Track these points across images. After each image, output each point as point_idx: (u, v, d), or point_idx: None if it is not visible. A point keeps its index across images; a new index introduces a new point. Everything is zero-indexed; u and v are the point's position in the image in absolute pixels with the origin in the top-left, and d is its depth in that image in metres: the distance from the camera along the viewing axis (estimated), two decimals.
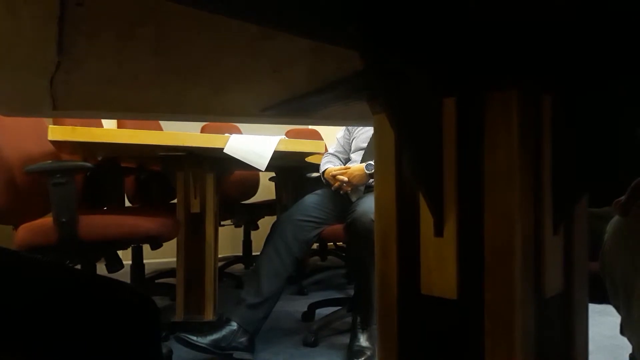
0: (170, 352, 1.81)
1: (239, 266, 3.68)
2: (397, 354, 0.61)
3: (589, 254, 0.63)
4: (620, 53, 0.48)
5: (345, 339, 1.97)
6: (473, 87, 0.53)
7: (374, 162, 0.65)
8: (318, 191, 2.22)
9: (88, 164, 1.69)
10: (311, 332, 2.04)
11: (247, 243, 3.68)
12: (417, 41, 0.49)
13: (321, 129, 4.02)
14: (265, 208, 3.49)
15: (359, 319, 1.94)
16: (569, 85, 0.54)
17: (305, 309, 2.39)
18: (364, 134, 2.26)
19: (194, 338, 1.77)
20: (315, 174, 2.43)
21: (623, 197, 0.74)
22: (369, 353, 1.83)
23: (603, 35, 0.48)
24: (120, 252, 1.78)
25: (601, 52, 0.49)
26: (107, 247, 1.71)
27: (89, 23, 0.50)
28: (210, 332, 1.81)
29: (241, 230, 3.68)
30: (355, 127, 2.35)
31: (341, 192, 2.11)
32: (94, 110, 0.89)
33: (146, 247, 2.13)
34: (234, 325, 1.83)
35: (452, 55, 0.52)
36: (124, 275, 1.71)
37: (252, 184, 3.65)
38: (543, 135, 0.54)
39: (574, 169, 0.55)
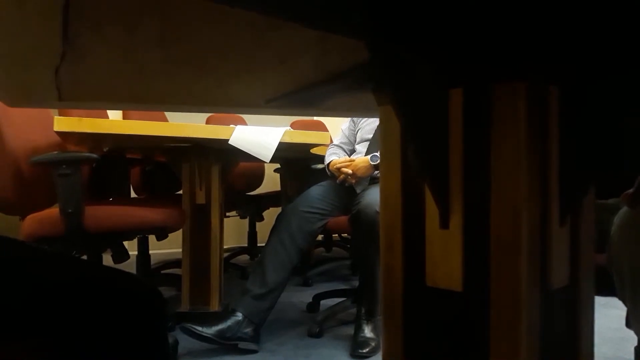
0: (176, 342, 1.82)
1: (244, 257, 3.70)
2: (402, 345, 0.61)
3: (595, 246, 0.63)
4: (627, 45, 0.48)
5: (350, 330, 1.98)
6: (480, 78, 0.53)
7: (380, 154, 0.65)
8: (323, 183, 2.22)
9: (94, 155, 1.70)
10: (316, 323, 2.05)
11: (252, 234, 3.70)
12: (423, 31, 0.48)
13: (326, 120, 4.01)
14: (270, 199, 3.50)
15: (363, 310, 1.95)
16: (577, 76, 0.53)
17: (310, 300, 2.40)
18: (369, 125, 2.26)
19: (200, 328, 1.78)
20: (320, 166, 2.43)
21: (631, 190, 0.73)
22: (373, 344, 1.83)
23: (610, 27, 0.47)
24: (126, 243, 1.79)
25: (608, 44, 0.49)
26: (113, 238, 1.72)
27: (94, 13, 0.50)
28: (216, 323, 1.82)
29: (246, 221, 3.69)
30: (360, 118, 2.34)
31: (346, 184, 2.11)
32: (99, 101, 0.89)
33: (152, 238, 2.13)
34: (239, 316, 1.84)
35: (459, 45, 0.51)
36: (129, 266, 1.72)
37: (257, 176, 3.66)
38: (550, 127, 0.53)
39: (581, 161, 0.54)
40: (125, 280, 0.60)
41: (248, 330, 1.84)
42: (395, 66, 0.49)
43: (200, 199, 2.12)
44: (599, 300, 0.64)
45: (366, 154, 2.15)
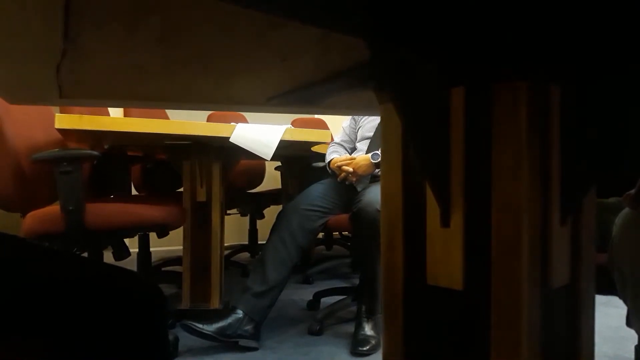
0: (177, 339, 1.83)
1: (245, 255, 3.70)
2: (402, 343, 0.61)
3: (596, 245, 0.63)
4: (628, 44, 0.48)
5: (350, 328, 1.98)
6: (481, 77, 0.52)
7: (381, 152, 0.65)
8: (324, 181, 2.22)
9: (95, 153, 1.70)
10: (316, 320, 2.05)
11: (253, 232, 3.70)
12: (425, 30, 0.48)
13: (327, 118, 4.01)
14: (271, 197, 3.50)
15: (364, 308, 1.95)
16: (578, 76, 0.53)
17: (311, 298, 2.40)
18: (370, 123, 2.26)
19: (200, 326, 1.79)
20: (321, 164, 2.43)
21: (633, 190, 0.73)
22: (373, 342, 1.84)
23: (611, 26, 0.47)
24: (126, 240, 1.80)
25: (609, 43, 0.49)
26: (114, 235, 1.73)
27: (94, 12, 0.50)
28: (216, 320, 1.83)
29: (247, 219, 3.70)
30: (361, 116, 2.34)
31: (347, 182, 2.11)
32: (100, 99, 0.89)
33: (153, 235, 2.14)
34: (239, 314, 1.85)
35: (460, 45, 0.51)
36: (130, 263, 1.72)
37: (258, 173, 3.66)
38: (551, 126, 0.53)
39: (582, 161, 0.54)
40: (126, 278, 0.60)
41: (248, 327, 1.84)
42: (396, 65, 0.49)
43: (201, 196, 2.12)
44: (600, 299, 0.65)
45: (367, 152, 2.15)
